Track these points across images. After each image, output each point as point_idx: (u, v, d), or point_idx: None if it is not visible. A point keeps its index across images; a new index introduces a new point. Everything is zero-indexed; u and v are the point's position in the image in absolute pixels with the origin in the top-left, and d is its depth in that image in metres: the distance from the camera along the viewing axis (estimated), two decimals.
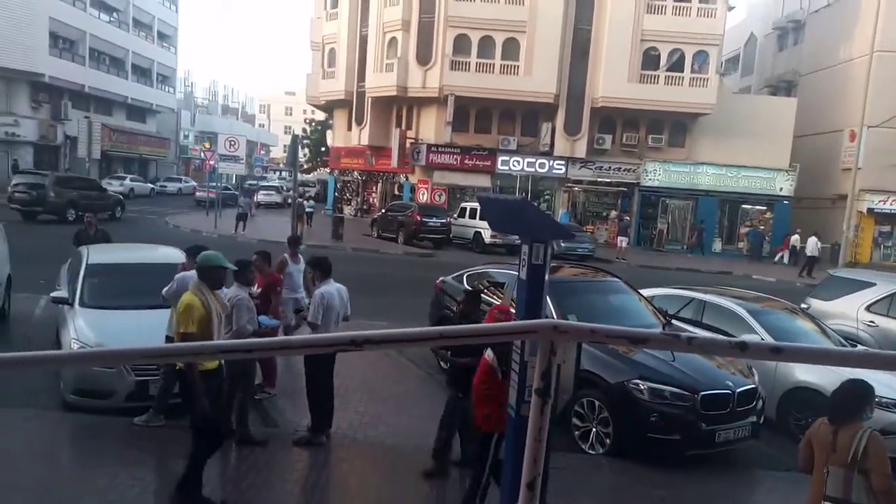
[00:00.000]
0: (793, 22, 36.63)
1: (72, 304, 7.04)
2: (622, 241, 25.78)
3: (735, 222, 31.54)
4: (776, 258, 28.32)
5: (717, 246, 30.84)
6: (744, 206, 31.29)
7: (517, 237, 4.33)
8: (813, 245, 24.69)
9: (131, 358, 1.65)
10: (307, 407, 6.19)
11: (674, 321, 7.97)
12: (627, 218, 29.18)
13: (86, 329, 6.54)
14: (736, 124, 29.44)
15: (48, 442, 5.98)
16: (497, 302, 8.18)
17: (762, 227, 30.66)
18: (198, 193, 37.35)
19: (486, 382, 4.53)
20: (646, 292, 8.71)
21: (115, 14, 44.19)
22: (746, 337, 7.33)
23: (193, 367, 4.56)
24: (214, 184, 30.52)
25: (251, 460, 5.69)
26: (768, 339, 7.44)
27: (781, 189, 30.21)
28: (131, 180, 39.61)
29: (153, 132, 51.14)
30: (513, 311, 5.04)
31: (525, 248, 3.82)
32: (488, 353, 4.60)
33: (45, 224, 21.62)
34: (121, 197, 28.35)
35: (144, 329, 6.23)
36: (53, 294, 7.39)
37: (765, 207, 31.13)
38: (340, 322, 6.38)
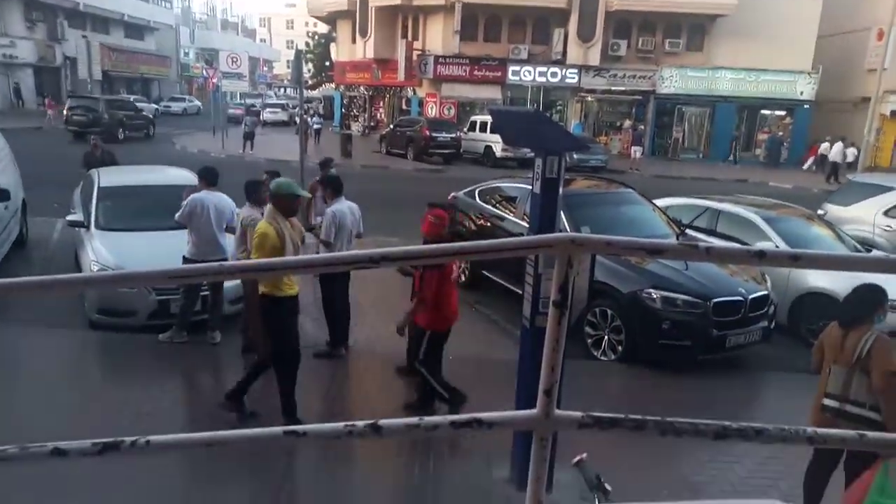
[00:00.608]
0: None
1: (88, 227, 7.12)
2: (636, 151, 25.29)
3: (753, 129, 30.71)
4: (805, 166, 27.57)
5: (735, 154, 30.19)
6: (763, 111, 30.34)
7: (529, 150, 4.24)
8: (838, 150, 24.10)
9: (153, 279, 1.65)
10: (325, 322, 6.35)
11: (688, 231, 7.94)
12: (642, 127, 28.45)
13: (104, 251, 6.64)
14: (756, 26, 28.00)
15: (77, 359, 6.23)
16: (511, 217, 8.16)
17: (781, 133, 29.86)
18: (231, 111, 36.66)
19: (442, 287, 4.82)
20: (660, 202, 8.63)
21: None
22: (763, 244, 7.31)
23: (284, 297, 4.69)
24: (243, 102, 30.08)
25: (273, 373, 5.90)
26: (783, 246, 7.42)
27: (802, 93, 29.15)
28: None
29: (153, 50, 49.82)
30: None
31: (538, 162, 3.74)
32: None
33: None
34: (152, 116, 30.31)
35: (162, 250, 6.32)
36: (69, 217, 7.46)
37: (784, 113, 30.19)
38: (353, 240, 6.42)
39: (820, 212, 10.28)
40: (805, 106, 29.43)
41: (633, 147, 25.72)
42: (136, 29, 47.15)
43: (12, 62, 35.04)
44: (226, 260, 6.19)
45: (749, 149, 30.61)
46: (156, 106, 41.99)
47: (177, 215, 6.23)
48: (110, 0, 42.35)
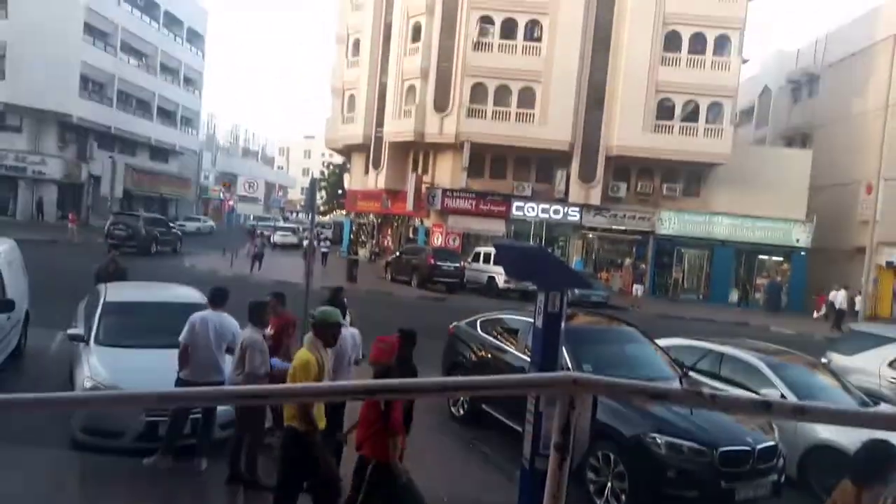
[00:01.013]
0: (807, 75, 37.02)
1: (87, 342, 7.07)
2: (637, 289, 25.63)
3: (752, 273, 31.27)
4: (816, 314, 27.31)
5: (734, 296, 30.50)
6: (760, 256, 31.07)
7: (532, 284, 4.32)
8: (842, 298, 24.35)
9: (145, 402, 1.65)
10: None
11: (691, 373, 7.83)
12: (643, 266, 29.00)
13: (99, 367, 6.55)
14: (751, 175, 29.53)
15: (55, 482, 5.92)
16: (513, 350, 8.10)
17: (779, 279, 30.34)
18: (276, 236, 38.67)
19: (373, 413, 4.68)
20: (661, 342, 8.58)
21: (143, 59, 45.75)
22: (767, 392, 7.18)
23: (315, 431, 4.45)
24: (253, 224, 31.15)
25: None
26: (789, 394, 7.27)
27: (798, 240, 30.00)
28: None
29: (175, 172, 52.21)
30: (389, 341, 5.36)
31: (541, 297, 3.80)
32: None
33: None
34: (180, 234, 32.61)
35: (158, 368, 6.23)
36: (70, 331, 7.44)
37: (781, 259, 30.88)
38: (352, 366, 6.34)
39: (824, 360, 10.18)
40: (802, 253, 30.16)
41: (634, 285, 26.09)
42: (161, 152, 49.78)
43: (40, 178, 36.67)
44: (222, 383, 6.09)
45: (748, 293, 30.98)
46: (171, 225, 43.30)
47: (181, 336, 6.20)
48: (141, 125, 45.12)
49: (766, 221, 29.87)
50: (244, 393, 1.37)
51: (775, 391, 7.29)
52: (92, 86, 39.86)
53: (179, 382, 6.11)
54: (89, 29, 38.27)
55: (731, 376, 7.98)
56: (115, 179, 34.85)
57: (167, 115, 49.47)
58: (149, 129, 46.34)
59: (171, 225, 31.92)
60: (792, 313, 27.89)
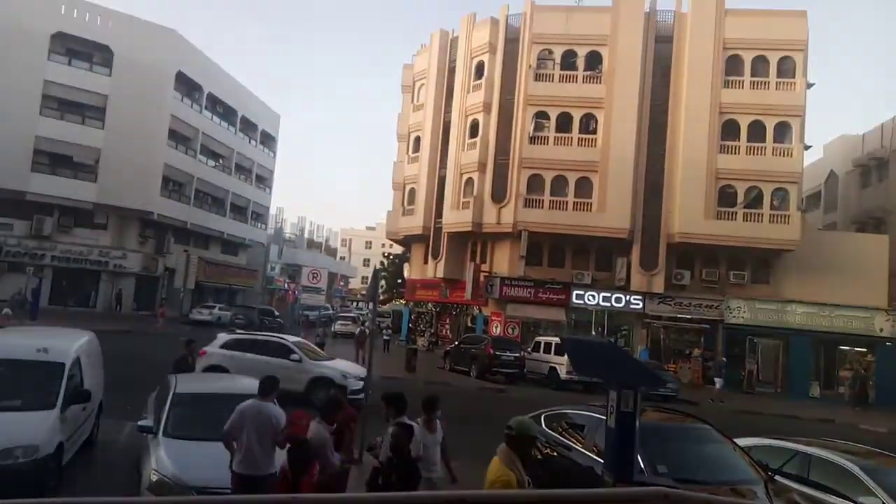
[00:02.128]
0: (875, 159, 36.05)
1: (156, 434, 7.20)
2: (717, 382, 24.27)
3: (833, 364, 29.29)
4: None
5: (815, 390, 28.47)
6: (840, 346, 29.18)
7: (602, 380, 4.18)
8: None
9: None
10: None
11: (776, 477, 7.22)
12: (723, 358, 27.43)
13: (166, 461, 6.62)
14: (823, 261, 28.36)
15: None
16: (579, 448, 7.74)
17: (864, 371, 28.24)
18: (337, 325, 40.26)
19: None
20: (741, 441, 8.01)
21: (220, 160, 49.16)
22: (865, 500, 6.53)
23: None
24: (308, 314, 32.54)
25: None
26: (889, 501, 6.57)
27: (882, 330, 28.12)
28: (219, 310, 41.74)
29: (243, 264, 54.56)
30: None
31: (612, 395, 3.67)
32: None
33: None
34: (281, 322, 37.41)
35: (223, 461, 6.24)
36: (140, 423, 7.61)
37: (865, 349, 28.89)
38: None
39: None
40: (887, 343, 28.16)
41: (715, 378, 24.75)
42: (232, 245, 52.35)
43: (120, 271, 38.96)
44: (273, 475, 6.01)
45: (831, 386, 28.90)
46: (276, 315, 44.56)
47: (226, 426, 6.21)
48: (214, 220, 47.84)
49: (844, 309, 28.27)
50: (312, 500, 1.36)
51: (875, 500, 6.61)
52: (172, 185, 42.84)
53: (232, 474, 6.08)
54: (173, 134, 41.65)
55: (821, 481, 7.31)
56: (188, 272, 36.66)
57: (239, 211, 52.35)
58: (222, 224, 49.03)
59: (277, 315, 37.60)
60: (881, 408, 25.69)
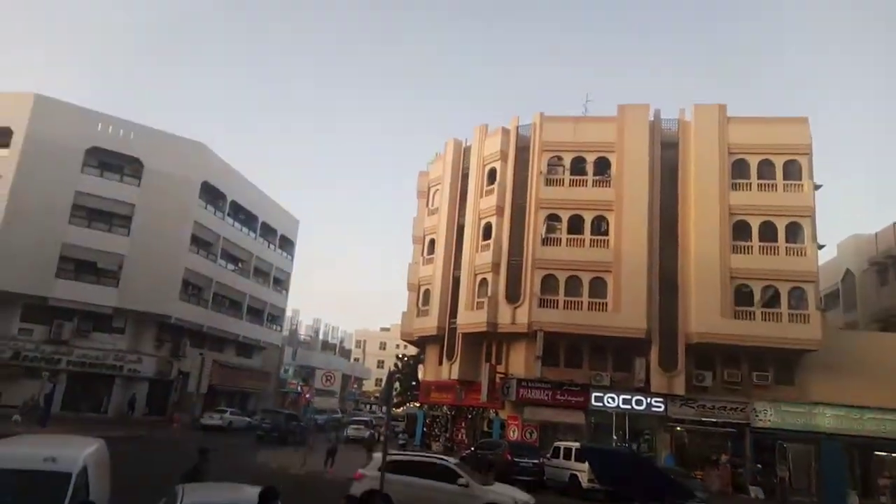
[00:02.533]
0: (891, 257, 35.95)
1: None
2: (755, 492, 23.01)
3: (869, 471, 27.74)
4: None
5: (854, 499, 26.75)
6: (877, 452, 27.75)
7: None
8: None
9: None
10: None
11: None
12: (759, 465, 26.02)
13: None
14: (849, 361, 27.68)
15: None
16: None
17: None
18: (350, 430, 39.34)
19: None
20: None
21: (239, 264, 50.17)
22: None
23: None
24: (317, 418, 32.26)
25: None
26: None
27: None
28: (231, 413, 41.04)
29: (257, 367, 54.20)
30: None
31: None
32: None
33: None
34: (304, 426, 35.56)
35: None
36: None
37: None
38: None
39: None
40: None
41: (750, 486, 23.49)
42: (247, 348, 52.27)
43: (134, 376, 38.79)
44: None
45: (870, 494, 27.20)
46: (248, 419, 43.83)
47: None
48: (231, 323, 48.08)
49: (875, 412, 27.19)
50: None
51: None
52: (191, 289, 43.47)
53: None
54: (195, 240, 42.84)
55: None
56: (202, 375, 36.42)
57: (255, 314, 52.70)
58: (237, 327, 49.22)
59: (300, 420, 37.58)
60: None
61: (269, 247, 54.59)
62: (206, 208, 43.95)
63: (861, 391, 27.24)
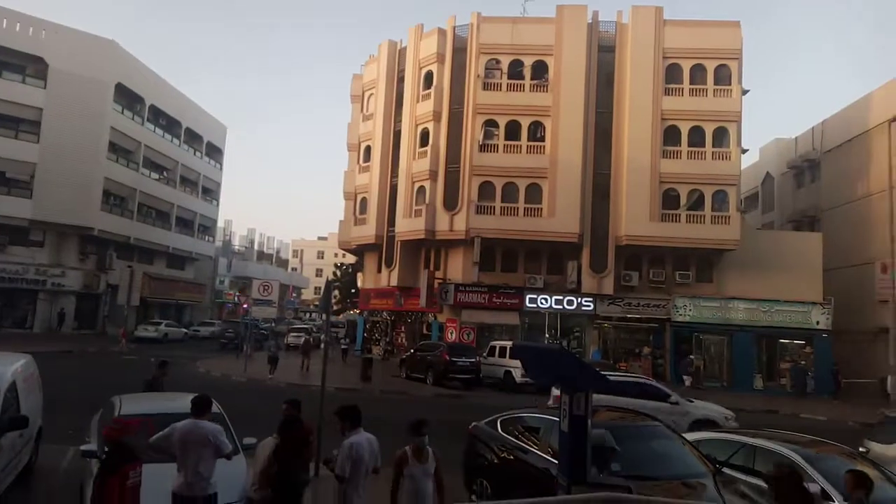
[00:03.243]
0: (808, 161, 37.86)
1: (100, 458, 6.92)
2: (686, 381, 24.94)
3: (774, 358, 30.54)
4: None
5: (759, 383, 29.60)
6: (781, 340, 30.46)
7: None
8: (892, 383, 23.67)
9: None
10: None
11: (724, 469, 7.48)
12: (692, 357, 28.16)
13: None
14: (763, 259, 29.61)
15: None
16: (535, 451, 7.82)
17: (804, 363, 29.54)
18: (290, 338, 39.86)
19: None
20: (690, 437, 8.27)
21: (164, 172, 47.79)
22: (806, 486, 6.80)
23: None
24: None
25: None
26: (829, 488, 6.90)
27: (818, 323, 29.50)
28: (166, 325, 40.48)
29: (191, 278, 53.07)
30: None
31: (565, 398, 3.74)
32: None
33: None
34: (265, 333, 38.94)
35: (169, 484, 6.05)
36: (83, 447, 7.30)
37: (804, 342, 30.23)
38: (370, 474, 6.11)
39: (862, 449, 9.72)
40: (824, 335, 29.54)
41: (683, 376, 25.38)
42: (178, 259, 50.86)
43: (59, 290, 37.31)
44: (214, 494, 5.90)
45: (772, 378, 30.12)
46: (185, 330, 43.43)
47: (153, 438, 6.11)
48: (159, 234, 46.41)
49: (783, 305, 29.54)
50: None
51: (815, 486, 6.92)
52: (113, 199, 41.40)
53: (173, 497, 5.93)
54: (114, 147, 40.28)
55: (766, 470, 7.60)
56: (132, 288, 35.35)
57: (185, 224, 50.94)
58: (167, 239, 47.61)
59: (262, 329, 39.25)
60: (821, 398, 26.93)
61: (195, 154, 52.04)
62: (122, 113, 41.08)
63: (772, 286, 29.42)
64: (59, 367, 20.75)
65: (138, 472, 5.40)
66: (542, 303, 30.07)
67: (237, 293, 54.58)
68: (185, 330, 43.36)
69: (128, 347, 30.95)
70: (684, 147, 30.07)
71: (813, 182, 37.68)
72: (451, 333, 30.36)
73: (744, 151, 31.25)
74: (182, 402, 7.28)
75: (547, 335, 29.91)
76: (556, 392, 13.73)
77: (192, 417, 6.28)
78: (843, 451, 8.31)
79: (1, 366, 8.61)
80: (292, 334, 40.89)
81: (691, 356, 28.09)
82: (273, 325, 44.31)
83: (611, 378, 15.69)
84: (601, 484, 5.05)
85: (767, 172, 42.02)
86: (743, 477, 7.38)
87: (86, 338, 35.65)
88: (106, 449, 5.63)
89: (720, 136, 30.26)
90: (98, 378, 18.97)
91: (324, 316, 15.07)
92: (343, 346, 33.59)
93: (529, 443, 8.08)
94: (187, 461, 6.00)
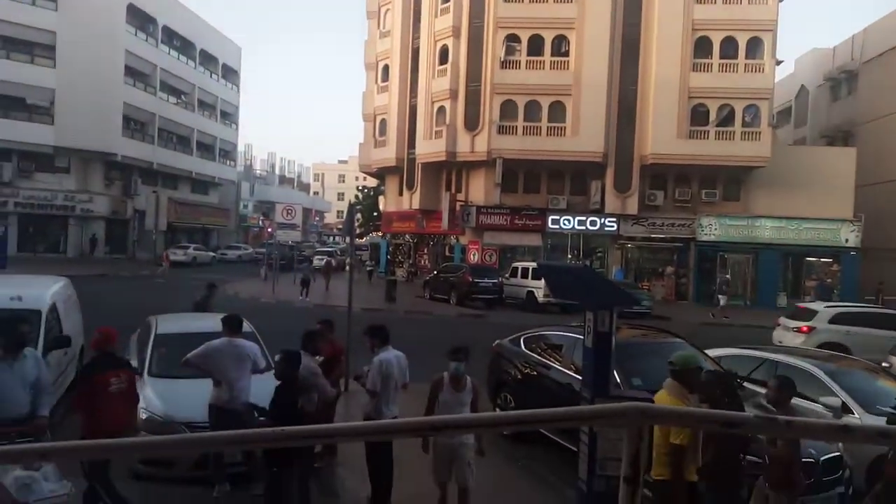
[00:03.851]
0: (845, 72, 36.06)
1: (141, 374, 7.27)
2: (721, 300, 24.87)
3: (800, 276, 30.32)
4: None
5: (783, 300, 29.56)
6: (808, 258, 30.13)
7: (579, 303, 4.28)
8: None
9: (216, 444, 1.65)
10: (367, 477, 6.11)
11: (745, 385, 7.60)
12: (728, 276, 28.07)
13: (154, 399, 6.73)
14: (793, 176, 28.80)
15: None
16: (558, 367, 8.00)
17: (829, 281, 29.31)
18: (314, 261, 38.53)
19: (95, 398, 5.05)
20: (712, 353, 8.36)
21: (182, 96, 47.35)
22: (827, 400, 6.91)
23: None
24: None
25: None
26: (851, 402, 7.00)
27: (847, 240, 29.02)
28: (194, 249, 41.32)
29: (215, 203, 53.65)
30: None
31: (589, 315, 3.76)
32: None
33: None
34: (306, 256, 40.31)
35: (205, 398, 6.35)
36: None
37: (831, 260, 29.88)
38: (399, 389, 6.34)
39: (884, 364, 9.78)
40: (852, 253, 29.13)
41: (718, 295, 25.35)
42: (201, 184, 51.24)
43: (88, 215, 38.07)
44: (253, 407, 6.17)
45: (797, 296, 30.00)
46: (213, 254, 44.33)
47: (189, 355, 6.34)
48: (181, 159, 46.57)
49: (811, 222, 29.00)
50: (312, 433, 1.39)
51: (836, 399, 7.02)
52: (134, 125, 41.38)
53: (211, 409, 6.22)
54: (130, 71, 39.84)
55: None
56: (158, 213, 35.96)
57: (206, 149, 50.97)
58: (189, 164, 47.81)
59: (303, 252, 41.31)
60: None
61: (211, 77, 51.30)
62: (136, 35, 40.35)
63: (801, 204, 28.79)
64: (95, 291, 21.47)
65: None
66: (564, 224, 29.92)
67: (261, 217, 55.12)
68: (212, 254, 44.29)
69: (170, 271, 31.80)
70: (715, 60, 28.76)
71: (850, 95, 36.03)
72: (474, 255, 30.55)
73: (778, 63, 29.80)
74: (215, 321, 7.56)
75: (569, 256, 29.94)
76: None
77: (224, 336, 6.52)
78: (864, 365, 8.37)
79: (42, 288, 8.96)
80: (317, 257, 41.52)
81: (727, 276, 27.91)
82: (299, 248, 45.04)
83: (850, 309, 15.32)
84: (624, 397, 5.18)
85: (802, 85, 40.21)
86: (764, 391, 7.50)
87: (118, 262, 36.65)
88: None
89: (754, 47, 28.80)
90: (135, 300, 19.62)
91: (347, 239, 15.22)
92: (368, 268, 34.52)
93: (552, 359, 8.26)
94: (224, 377, 6.27)
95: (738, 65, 28.65)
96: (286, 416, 5.23)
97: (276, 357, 5.99)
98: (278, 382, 5.64)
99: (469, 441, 5.47)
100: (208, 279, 12.01)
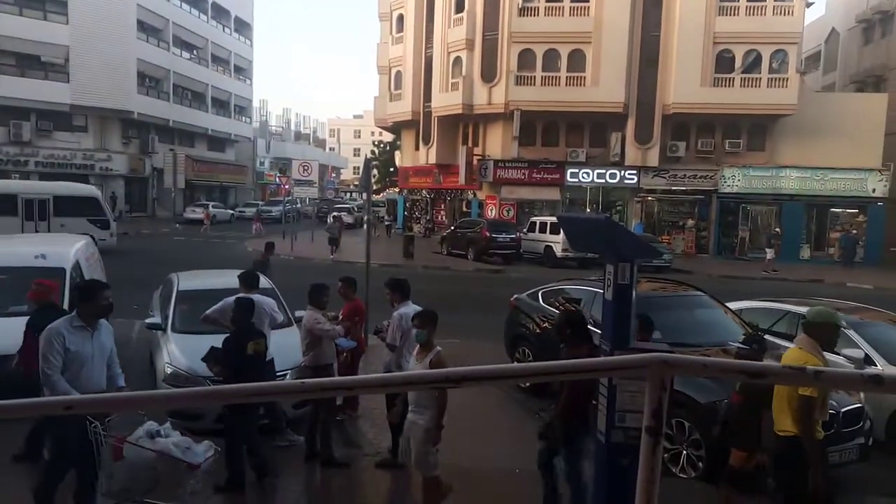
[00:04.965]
0: (880, 13, 34.43)
1: (164, 330, 7.40)
2: (768, 253, 24.56)
3: (824, 227, 29.76)
4: None
5: (806, 252, 29.13)
6: (833, 209, 29.50)
7: (599, 255, 4.21)
8: None
9: (240, 395, 1.64)
10: (388, 429, 6.23)
11: (766, 337, 7.52)
12: (777, 230, 27.67)
13: (178, 354, 6.86)
14: (820, 124, 27.93)
15: None
16: None
17: (854, 231, 28.75)
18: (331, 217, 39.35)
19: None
20: (733, 305, 8.28)
21: (195, 51, 46.86)
22: (849, 352, 6.83)
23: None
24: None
25: (335, 482, 5.76)
26: (873, 354, 6.93)
27: (874, 190, 28.29)
28: (213, 207, 41.58)
29: (232, 160, 53.68)
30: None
31: (609, 268, 3.70)
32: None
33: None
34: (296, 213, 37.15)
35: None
36: (147, 321, 7.79)
37: (856, 210, 29.23)
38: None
39: None
40: (878, 203, 28.45)
41: (766, 248, 25.03)
42: (218, 141, 51.20)
43: (107, 174, 38.36)
44: (271, 360, 6.27)
45: (821, 248, 29.53)
46: (231, 211, 44.59)
47: (208, 311, 6.43)
48: (197, 116, 46.44)
49: (838, 172, 28.25)
50: (336, 385, 1.37)
51: (859, 351, 6.94)
52: (149, 81, 41.19)
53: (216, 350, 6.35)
54: (142, 26, 39.44)
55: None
56: (176, 171, 36.09)
57: (221, 106, 50.72)
58: (205, 120, 47.69)
59: (336, 209, 40.57)
60: (869, 267, 26.43)
61: (224, 30, 50.61)
62: None
63: (828, 153, 27.99)
64: (118, 248, 21.80)
65: None
66: (583, 177, 29.50)
67: (277, 174, 55.17)
68: (231, 211, 44.53)
69: (207, 231, 32.32)
70: (743, 2, 27.65)
71: (883, 37, 34.47)
72: (491, 210, 30.37)
73: (809, 5, 28.64)
74: (231, 278, 7.64)
75: (588, 209, 29.64)
76: None
77: (242, 292, 6.58)
78: (887, 316, 8.24)
79: (65, 246, 9.10)
80: (333, 214, 41.58)
81: (777, 229, 27.41)
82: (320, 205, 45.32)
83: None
84: (645, 349, 5.16)
85: (833, 28, 38.55)
86: (786, 344, 7.44)
87: (139, 220, 37.09)
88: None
89: None
90: (160, 257, 19.90)
91: (364, 195, 15.17)
92: (386, 223, 34.89)
93: None
94: None
95: (766, 7, 27.52)
96: (237, 362, 5.45)
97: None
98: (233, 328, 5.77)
99: (420, 421, 4.89)
100: (269, 240, 12.53)
